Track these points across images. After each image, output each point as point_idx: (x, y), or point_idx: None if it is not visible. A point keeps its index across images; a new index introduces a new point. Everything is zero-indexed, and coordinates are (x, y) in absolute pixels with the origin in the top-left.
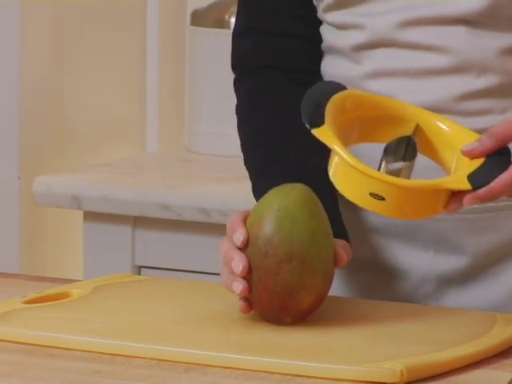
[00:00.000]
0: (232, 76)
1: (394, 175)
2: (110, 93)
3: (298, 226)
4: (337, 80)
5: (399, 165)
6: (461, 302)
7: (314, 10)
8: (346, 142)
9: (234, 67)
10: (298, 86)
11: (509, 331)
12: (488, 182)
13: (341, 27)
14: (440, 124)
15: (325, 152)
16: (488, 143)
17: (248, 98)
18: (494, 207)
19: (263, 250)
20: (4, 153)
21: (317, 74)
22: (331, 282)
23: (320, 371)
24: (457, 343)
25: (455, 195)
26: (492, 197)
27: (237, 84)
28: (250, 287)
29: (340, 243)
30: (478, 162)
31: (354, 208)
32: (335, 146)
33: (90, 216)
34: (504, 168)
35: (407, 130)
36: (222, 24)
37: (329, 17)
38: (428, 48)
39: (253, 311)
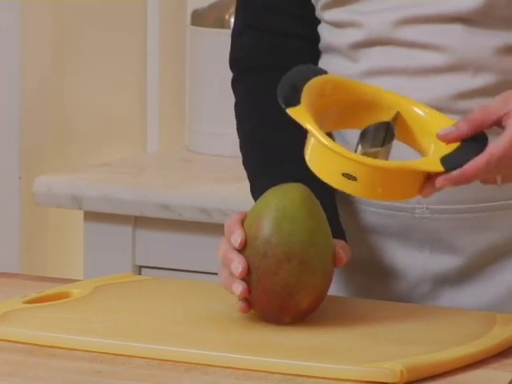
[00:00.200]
0: None
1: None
2: (111, 93)
3: (297, 226)
4: None
5: (376, 149)
6: (457, 301)
7: (312, 8)
8: (323, 127)
9: (232, 65)
10: None
11: (509, 331)
12: (461, 165)
13: (338, 25)
14: (417, 110)
15: None
16: (464, 128)
17: (247, 98)
18: (489, 207)
19: (262, 251)
20: (4, 153)
21: None
22: (330, 282)
23: (320, 371)
24: (457, 343)
25: (430, 179)
26: (465, 179)
27: (235, 83)
28: (249, 288)
29: (339, 243)
30: (454, 146)
31: (349, 208)
32: (309, 125)
33: (91, 216)
34: (479, 152)
35: (385, 117)
36: (222, 24)
37: (326, 15)
38: (424, 46)
39: (252, 310)
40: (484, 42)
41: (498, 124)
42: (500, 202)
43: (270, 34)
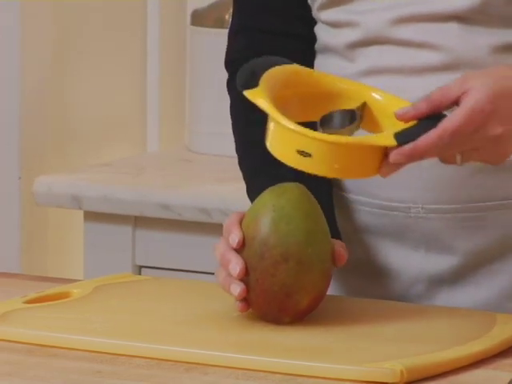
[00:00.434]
0: None
1: None
2: (111, 93)
3: (294, 226)
4: None
5: (336, 130)
6: (452, 301)
7: (308, 9)
8: (286, 117)
9: (227, 66)
10: None
11: (509, 331)
12: (414, 140)
13: (335, 25)
14: (374, 95)
15: None
16: (423, 107)
17: (242, 99)
18: (485, 206)
19: (259, 252)
20: (4, 153)
21: None
22: (330, 281)
23: (320, 371)
24: (457, 343)
25: (388, 157)
26: (417, 154)
27: (230, 84)
28: (247, 288)
29: (338, 242)
30: (411, 124)
31: (344, 208)
32: (263, 104)
33: (91, 216)
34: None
35: (348, 108)
36: (222, 24)
37: (323, 15)
38: (421, 45)
39: (251, 310)
40: (480, 40)
41: (457, 104)
42: (495, 202)
43: (265, 34)
